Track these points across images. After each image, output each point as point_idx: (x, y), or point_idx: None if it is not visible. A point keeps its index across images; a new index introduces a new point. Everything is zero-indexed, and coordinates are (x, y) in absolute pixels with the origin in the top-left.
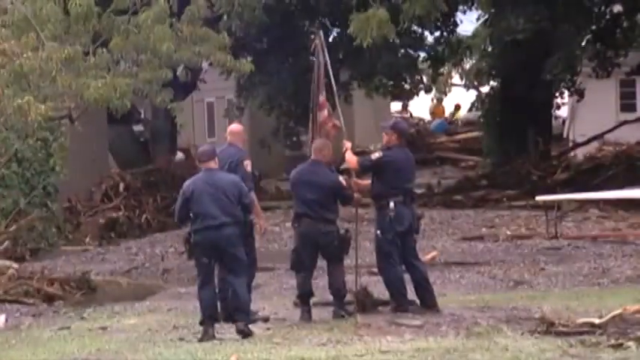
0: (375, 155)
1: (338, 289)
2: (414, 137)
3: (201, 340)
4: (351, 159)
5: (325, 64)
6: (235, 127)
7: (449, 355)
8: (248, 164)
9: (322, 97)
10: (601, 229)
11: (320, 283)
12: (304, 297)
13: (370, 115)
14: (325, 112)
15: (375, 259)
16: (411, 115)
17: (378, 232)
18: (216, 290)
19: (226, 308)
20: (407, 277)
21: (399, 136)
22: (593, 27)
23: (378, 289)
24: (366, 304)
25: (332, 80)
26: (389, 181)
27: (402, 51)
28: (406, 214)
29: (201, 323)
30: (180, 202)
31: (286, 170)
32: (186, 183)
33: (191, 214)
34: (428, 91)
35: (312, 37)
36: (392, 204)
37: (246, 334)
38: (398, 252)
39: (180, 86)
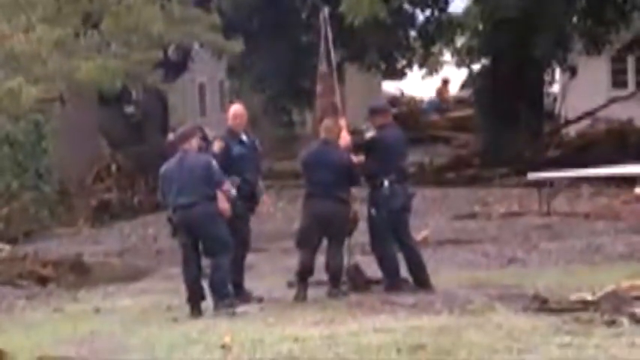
0: (369, 134)
1: (335, 270)
2: (405, 116)
3: (192, 317)
4: (345, 138)
5: (326, 42)
6: (238, 109)
7: (442, 333)
8: (216, 145)
9: (324, 71)
10: (593, 206)
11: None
12: (304, 274)
13: (362, 94)
14: (323, 87)
15: (369, 238)
16: (402, 93)
17: (372, 210)
18: (201, 269)
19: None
20: (400, 255)
21: (386, 114)
22: (584, 3)
23: (371, 269)
24: (358, 282)
25: (332, 58)
26: (382, 160)
27: (394, 30)
28: (400, 192)
29: (187, 301)
30: (159, 183)
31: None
32: (163, 165)
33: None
34: (421, 66)
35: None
36: (386, 183)
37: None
38: (391, 231)
39: (171, 67)
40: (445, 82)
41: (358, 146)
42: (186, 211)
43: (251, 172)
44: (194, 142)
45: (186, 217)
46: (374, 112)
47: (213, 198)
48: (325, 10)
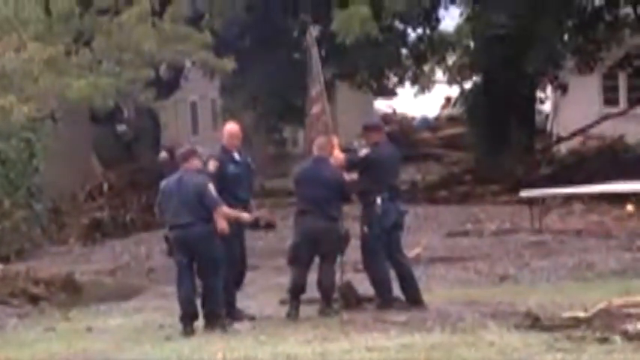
0: (363, 152)
1: (327, 287)
2: (397, 133)
3: (184, 335)
4: (338, 156)
5: (315, 61)
6: (234, 128)
7: (434, 350)
8: (211, 165)
9: (314, 92)
10: (585, 223)
11: (307, 279)
12: (296, 291)
13: (354, 112)
14: (319, 107)
15: (361, 256)
16: (394, 111)
17: (365, 228)
18: (195, 288)
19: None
20: (392, 273)
21: (380, 131)
22: (575, 21)
23: (363, 286)
24: (350, 299)
25: (321, 77)
26: (376, 177)
27: (385, 48)
28: (392, 210)
29: (180, 319)
30: (158, 198)
31: (271, 168)
32: (163, 181)
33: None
34: (413, 84)
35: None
36: (379, 200)
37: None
38: (384, 248)
39: (163, 85)
40: (448, 99)
41: (352, 164)
42: (182, 231)
43: (244, 191)
44: (195, 162)
45: (182, 236)
46: (368, 129)
47: (210, 219)
48: (312, 30)
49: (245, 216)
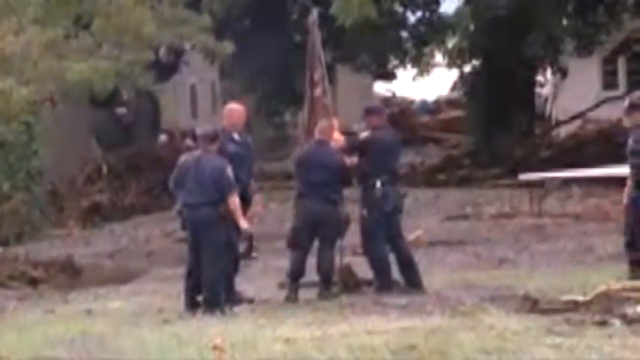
0: (364, 135)
1: (326, 271)
2: (397, 117)
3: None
4: (338, 138)
5: (318, 44)
6: (240, 109)
7: (434, 334)
8: None
9: (316, 75)
10: (584, 207)
11: (307, 264)
12: (295, 275)
13: (354, 95)
14: (319, 90)
15: (360, 239)
16: (394, 94)
17: (365, 211)
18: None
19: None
20: (391, 257)
21: (381, 115)
22: (575, 4)
23: (363, 270)
24: (349, 282)
25: (323, 60)
26: (376, 161)
27: (385, 31)
28: (392, 193)
29: (184, 292)
30: (174, 172)
31: (271, 151)
32: (183, 156)
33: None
34: (413, 67)
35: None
36: (378, 184)
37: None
38: (383, 232)
39: (162, 68)
40: None
41: (353, 147)
42: (192, 211)
43: (244, 172)
44: (215, 145)
45: (191, 216)
46: (369, 112)
47: (220, 202)
48: (314, 13)
49: (243, 225)
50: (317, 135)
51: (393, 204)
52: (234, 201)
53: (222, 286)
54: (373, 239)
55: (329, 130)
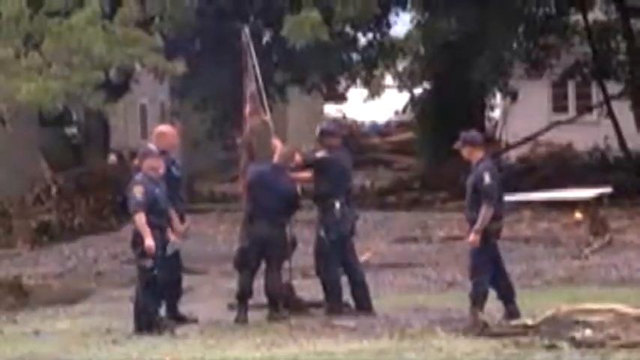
0: (321, 154)
1: (273, 293)
2: (347, 138)
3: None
4: (291, 153)
5: (251, 62)
6: (170, 130)
7: (383, 356)
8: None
9: (248, 92)
10: (534, 231)
11: (255, 285)
12: (243, 296)
13: (305, 117)
14: (248, 108)
15: (314, 261)
16: (344, 116)
17: (322, 232)
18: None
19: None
20: (344, 279)
21: (337, 136)
22: (525, 28)
23: (312, 292)
24: (290, 301)
25: (258, 77)
26: (334, 181)
27: (336, 53)
28: (349, 214)
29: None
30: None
31: (221, 173)
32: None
33: None
34: (364, 88)
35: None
36: (337, 205)
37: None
38: (338, 254)
39: (112, 88)
40: None
41: (308, 164)
42: None
43: (183, 192)
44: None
45: None
46: (325, 133)
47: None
48: (247, 30)
49: (149, 243)
50: (276, 159)
51: (350, 225)
52: (140, 221)
53: (145, 309)
54: (328, 261)
55: (290, 158)
